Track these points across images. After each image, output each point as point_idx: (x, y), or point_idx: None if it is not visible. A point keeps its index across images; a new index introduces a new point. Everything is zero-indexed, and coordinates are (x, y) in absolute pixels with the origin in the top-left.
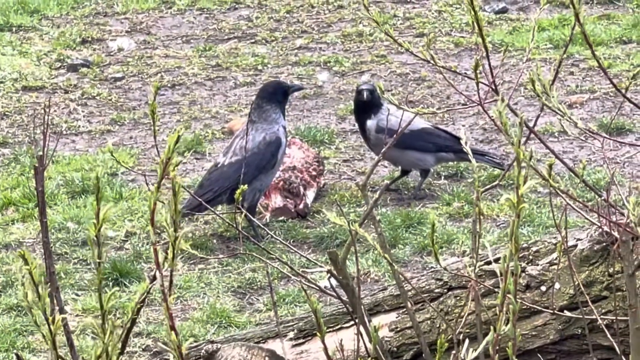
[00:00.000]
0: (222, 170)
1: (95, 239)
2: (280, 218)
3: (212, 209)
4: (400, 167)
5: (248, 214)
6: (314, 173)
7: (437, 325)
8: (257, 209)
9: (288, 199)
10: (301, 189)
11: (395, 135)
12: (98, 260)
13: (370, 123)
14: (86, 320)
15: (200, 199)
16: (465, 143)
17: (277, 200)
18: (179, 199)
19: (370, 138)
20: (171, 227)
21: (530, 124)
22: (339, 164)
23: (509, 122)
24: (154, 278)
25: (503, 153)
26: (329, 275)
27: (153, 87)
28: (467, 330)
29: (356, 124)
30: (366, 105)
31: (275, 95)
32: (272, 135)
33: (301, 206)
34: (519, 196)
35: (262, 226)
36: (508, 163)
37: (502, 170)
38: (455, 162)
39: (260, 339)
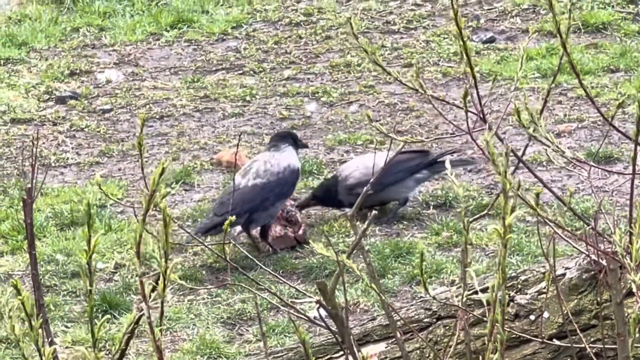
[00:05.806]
0: (244, 191)
1: (86, 266)
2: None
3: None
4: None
5: (253, 233)
6: (292, 202)
7: (427, 355)
8: (256, 240)
9: (288, 227)
10: (298, 216)
11: (371, 180)
12: (89, 288)
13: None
14: (75, 353)
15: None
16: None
17: (277, 229)
18: (170, 230)
19: (342, 200)
20: (162, 258)
21: (520, 153)
22: None
23: (496, 152)
24: (142, 309)
25: (492, 182)
26: (318, 305)
27: (140, 119)
28: None
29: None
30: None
31: (292, 142)
32: (295, 165)
33: (300, 232)
34: (505, 226)
35: (251, 257)
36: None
37: (474, 164)
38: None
39: None
